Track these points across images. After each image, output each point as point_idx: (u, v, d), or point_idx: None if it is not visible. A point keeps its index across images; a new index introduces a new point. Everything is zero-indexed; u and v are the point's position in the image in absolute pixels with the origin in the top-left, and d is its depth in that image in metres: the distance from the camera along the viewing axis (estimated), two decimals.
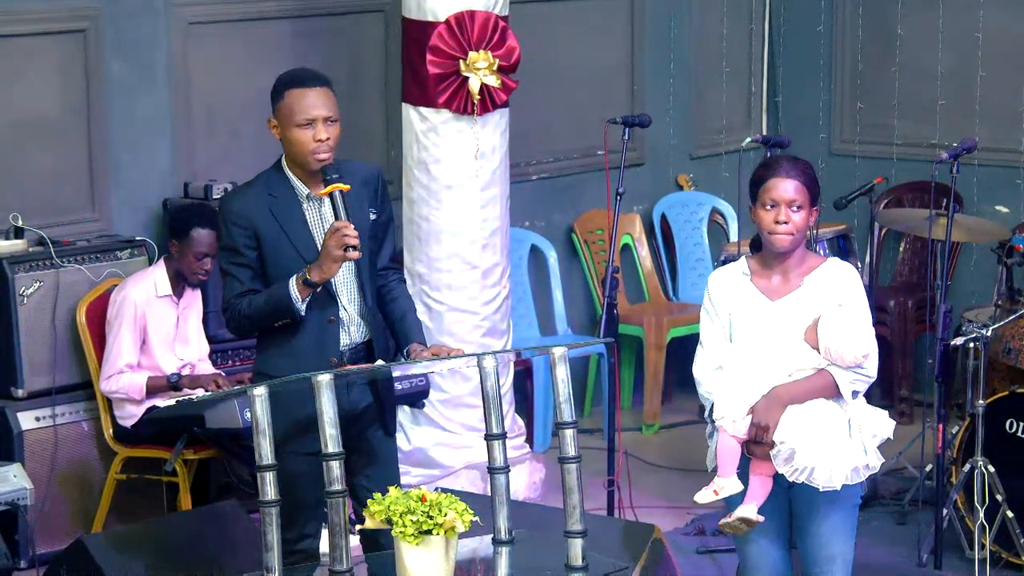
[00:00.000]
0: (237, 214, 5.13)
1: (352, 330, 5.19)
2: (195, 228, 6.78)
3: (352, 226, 5.00)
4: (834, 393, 4.94)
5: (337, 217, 5.03)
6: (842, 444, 4.91)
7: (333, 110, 5.11)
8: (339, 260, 5.00)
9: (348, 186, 5.08)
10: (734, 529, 4.98)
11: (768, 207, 4.97)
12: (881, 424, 4.99)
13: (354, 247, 4.99)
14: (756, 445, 4.92)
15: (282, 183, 5.16)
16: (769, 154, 7.22)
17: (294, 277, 5.05)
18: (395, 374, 5.56)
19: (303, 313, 5.08)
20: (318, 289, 5.06)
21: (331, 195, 5.05)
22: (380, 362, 5.13)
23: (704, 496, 4.98)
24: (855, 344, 4.89)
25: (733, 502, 4.98)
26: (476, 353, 4.96)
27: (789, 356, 4.94)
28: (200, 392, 6.69)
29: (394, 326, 5.33)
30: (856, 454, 4.92)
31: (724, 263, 7.31)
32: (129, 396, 6.75)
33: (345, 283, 5.18)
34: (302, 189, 5.15)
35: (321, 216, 5.16)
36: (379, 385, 5.26)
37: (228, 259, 5.15)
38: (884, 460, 5.07)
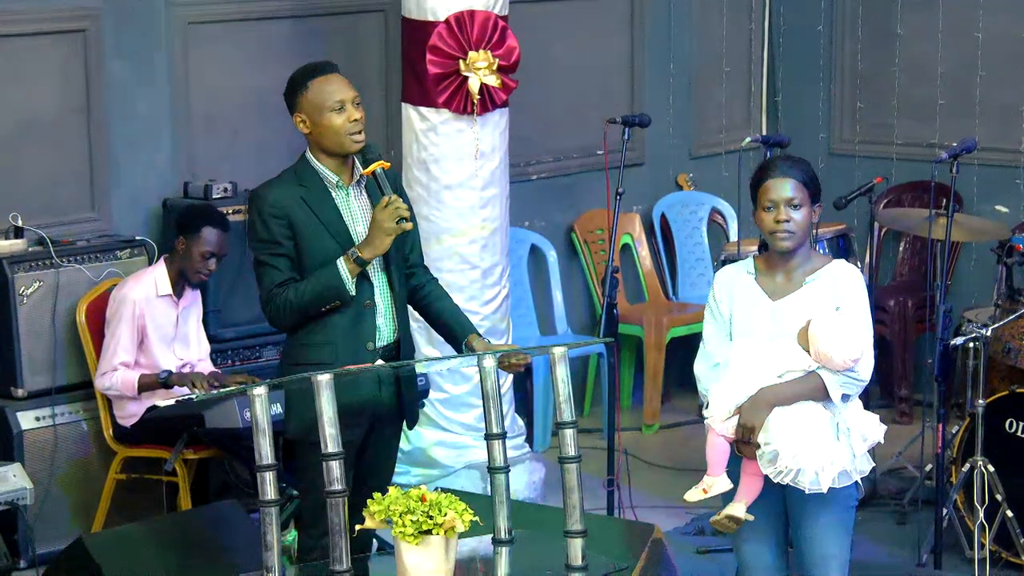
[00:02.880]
0: (273, 205, 5.16)
1: (381, 323, 5.21)
2: (206, 226, 6.78)
3: (401, 199, 5.06)
4: (823, 396, 4.92)
5: (383, 192, 5.11)
6: (828, 447, 4.89)
7: (357, 92, 5.20)
8: (392, 233, 5.07)
9: (388, 163, 5.15)
10: (723, 527, 4.99)
11: (767, 208, 4.97)
12: (871, 428, 4.98)
13: (406, 219, 5.06)
14: (743, 445, 4.92)
15: (311, 174, 5.22)
16: (768, 154, 7.23)
17: (341, 258, 5.09)
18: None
19: (353, 292, 5.11)
20: (364, 267, 5.12)
21: (374, 173, 5.10)
22: (380, 362, 5.15)
23: (693, 495, 4.99)
24: (844, 348, 4.88)
25: (727, 500, 4.99)
26: (476, 353, 4.97)
27: (782, 357, 4.94)
28: (188, 389, 6.70)
29: (446, 324, 5.38)
30: (843, 457, 4.90)
31: (724, 263, 7.32)
32: (122, 393, 6.75)
33: (375, 273, 5.21)
34: (331, 178, 5.21)
35: (350, 204, 5.21)
36: (403, 381, 5.28)
37: (266, 251, 5.17)
38: (874, 464, 5.06)
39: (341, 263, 5.09)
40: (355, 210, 5.22)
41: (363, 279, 5.17)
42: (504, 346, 5.41)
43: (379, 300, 5.21)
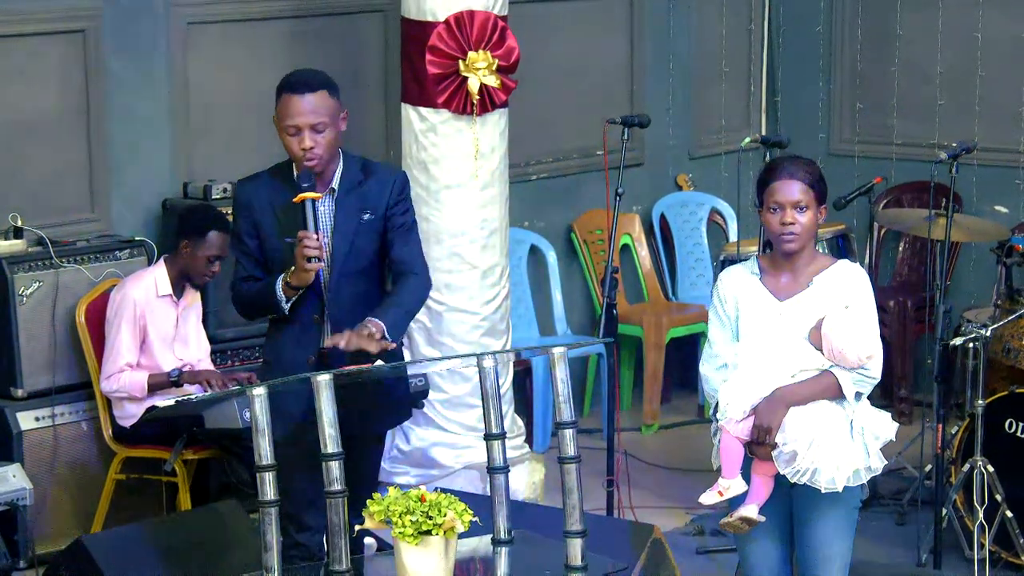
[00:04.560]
0: (242, 203, 5.31)
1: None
2: (212, 231, 6.78)
3: (314, 237, 5.08)
4: (837, 394, 4.93)
5: (304, 226, 5.10)
6: (844, 446, 4.91)
7: (323, 117, 5.15)
8: (306, 269, 5.11)
9: (319, 195, 5.17)
10: (735, 529, 4.98)
11: (773, 210, 4.97)
12: (883, 426, 4.99)
13: (316, 258, 5.07)
14: (758, 446, 4.92)
15: (286, 177, 5.26)
16: (768, 154, 7.23)
17: (280, 277, 5.14)
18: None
19: (286, 311, 5.21)
20: (300, 292, 5.14)
21: (303, 203, 5.10)
22: (380, 362, 5.14)
23: (709, 498, 4.98)
24: (858, 345, 4.89)
25: (735, 501, 4.99)
26: (476, 353, 4.97)
27: (794, 356, 4.94)
28: (199, 389, 6.70)
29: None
30: (858, 456, 4.92)
31: (723, 263, 7.32)
32: (131, 395, 6.75)
33: (335, 286, 5.22)
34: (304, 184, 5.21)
35: (316, 211, 5.20)
36: (380, 386, 5.26)
37: (236, 245, 5.36)
38: (886, 462, 5.07)
39: (279, 282, 5.17)
40: (325, 219, 5.24)
41: (314, 295, 5.22)
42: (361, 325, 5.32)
43: (332, 311, 5.22)
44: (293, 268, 5.12)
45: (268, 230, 5.21)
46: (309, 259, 5.07)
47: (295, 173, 5.22)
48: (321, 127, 5.13)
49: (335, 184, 5.26)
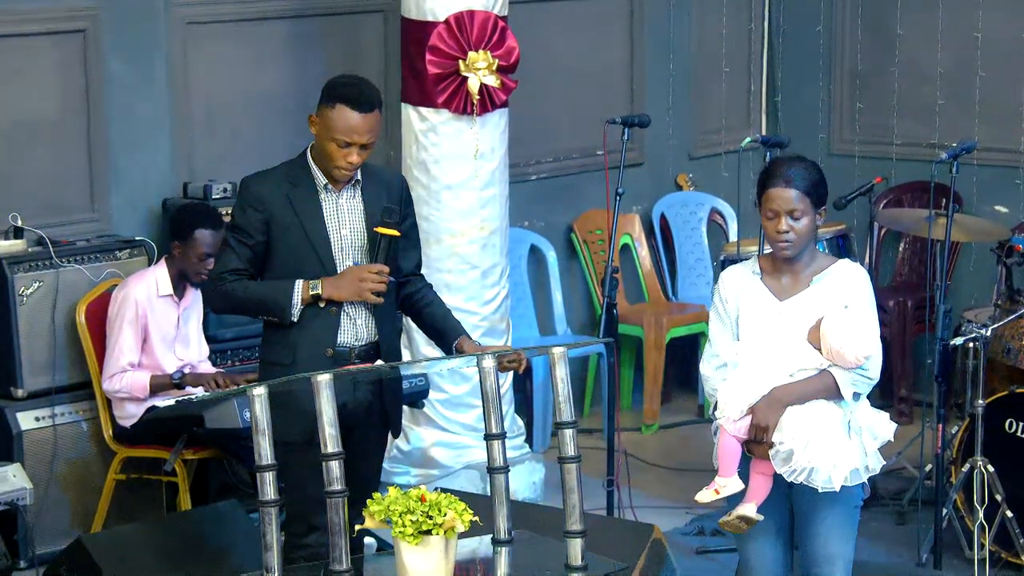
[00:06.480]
0: (255, 197, 5.21)
1: (359, 323, 5.21)
2: (198, 229, 6.77)
3: (387, 271, 5.10)
4: (835, 394, 4.94)
5: (376, 258, 5.13)
6: (841, 445, 4.91)
7: (374, 137, 5.19)
8: (358, 297, 5.10)
9: (399, 233, 5.17)
10: (734, 528, 4.99)
11: (769, 217, 4.97)
12: (882, 426, 4.99)
13: (381, 292, 5.10)
14: (756, 445, 4.93)
15: (304, 172, 5.24)
16: (768, 154, 7.22)
17: (301, 282, 5.09)
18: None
19: (294, 319, 5.14)
20: (321, 304, 5.10)
21: (381, 236, 5.13)
22: (380, 362, 5.15)
23: (705, 496, 4.99)
24: (856, 345, 4.89)
25: (734, 500, 4.99)
26: (476, 353, 4.97)
27: (793, 356, 4.94)
28: (202, 390, 6.70)
29: (435, 327, 5.40)
30: (855, 455, 4.92)
31: (724, 263, 7.32)
32: (133, 395, 6.75)
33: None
34: (321, 179, 5.23)
35: (338, 207, 5.19)
36: (384, 385, 5.27)
37: (234, 236, 5.22)
38: (884, 462, 5.07)
39: (297, 287, 5.11)
40: (343, 212, 5.23)
41: None
42: (494, 347, 5.40)
43: (352, 306, 5.21)
44: (324, 279, 5.11)
45: (285, 225, 5.16)
46: (375, 292, 5.10)
47: (312, 165, 5.21)
48: (371, 146, 5.16)
49: (359, 175, 5.26)
